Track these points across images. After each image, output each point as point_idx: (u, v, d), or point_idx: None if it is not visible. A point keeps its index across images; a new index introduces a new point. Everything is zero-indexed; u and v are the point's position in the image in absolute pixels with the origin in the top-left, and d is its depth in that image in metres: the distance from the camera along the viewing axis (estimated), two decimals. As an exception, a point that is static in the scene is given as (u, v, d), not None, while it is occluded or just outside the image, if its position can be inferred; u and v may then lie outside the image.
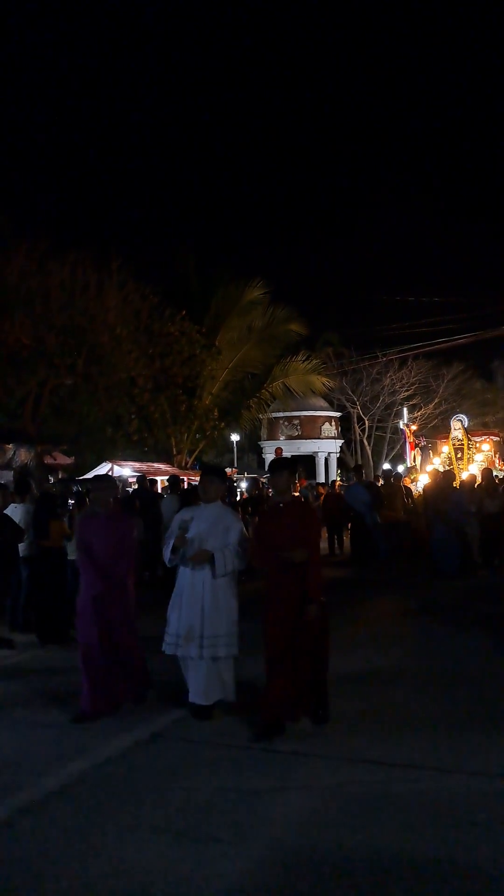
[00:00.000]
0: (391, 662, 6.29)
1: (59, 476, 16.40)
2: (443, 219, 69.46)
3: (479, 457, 17.48)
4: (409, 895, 2.81)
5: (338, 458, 31.68)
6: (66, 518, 8.84)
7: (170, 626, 4.99)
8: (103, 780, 3.99)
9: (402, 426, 22.32)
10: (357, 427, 34.38)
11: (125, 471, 15.83)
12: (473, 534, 11.93)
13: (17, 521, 8.09)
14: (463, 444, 17.49)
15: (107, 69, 73.20)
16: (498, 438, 21.12)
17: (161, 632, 5.16)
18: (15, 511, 8.35)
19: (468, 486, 13.16)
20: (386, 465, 27.53)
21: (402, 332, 27.21)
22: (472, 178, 71.22)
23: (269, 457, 27.54)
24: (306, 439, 29.52)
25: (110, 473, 15.50)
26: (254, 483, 16.55)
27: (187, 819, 3.47)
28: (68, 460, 18.07)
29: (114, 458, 17.49)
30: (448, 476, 13.19)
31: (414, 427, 21.42)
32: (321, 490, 16.87)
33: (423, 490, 14.37)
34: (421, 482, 17.07)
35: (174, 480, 11.99)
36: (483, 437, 18.82)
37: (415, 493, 15.90)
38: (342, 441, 32.25)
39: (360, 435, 34.66)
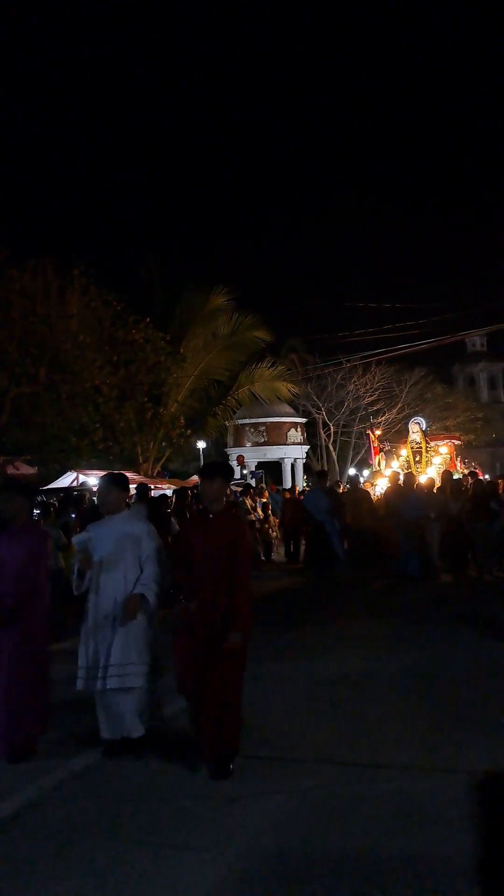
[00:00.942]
0: (361, 665, 6.32)
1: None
2: (403, 228, 70.55)
3: (437, 459, 17.45)
4: (386, 895, 2.82)
5: (304, 464, 31.82)
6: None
7: (80, 659, 4.44)
8: (78, 791, 3.94)
9: (367, 432, 22.59)
10: (322, 432, 34.59)
11: (90, 480, 15.63)
12: (433, 537, 11.70)
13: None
14: (421, 447, 17.40)
15: (64, 74, 72.81)
16: (459, 442, 21.46)
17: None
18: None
19: (427, 489, 13.07)
20: (351, 471, 27.78)
21: (365, 338, 27.52)
22: (433, 190, 72.54)
23: (235, 464, 27.56)
24: (272, 445, 29.59)
25: (75, 483, 15.31)
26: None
27: (165, 828, 3.44)
28: (31, 470, 17.77)
29: (79, 467, 17.28)
30: (408, 479, 13.04)
31: (378, 432, 21.62)
32: (286, 495, 16.86)
33: (385, 493, 14.24)
34: (380, 486, 17.09)
35: (142, 489, 11.91)
36: (445, 441, 19.01)
37: (374, 497, 15.80)
38: (308, 447, 32.41)
39: (325, 440, 34.87)
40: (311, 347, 32.56)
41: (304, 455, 31.86)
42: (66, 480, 16.30)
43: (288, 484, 25.92)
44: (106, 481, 4.70)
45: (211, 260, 61.04)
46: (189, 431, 21.23)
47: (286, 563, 14.87)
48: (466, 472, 16.48)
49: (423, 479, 14.99)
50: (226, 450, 30.68)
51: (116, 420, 18.40)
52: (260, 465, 28.73)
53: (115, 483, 4.65)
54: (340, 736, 4.57)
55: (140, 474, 18.58)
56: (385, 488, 14.77)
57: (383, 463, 18.96)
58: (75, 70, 72.50)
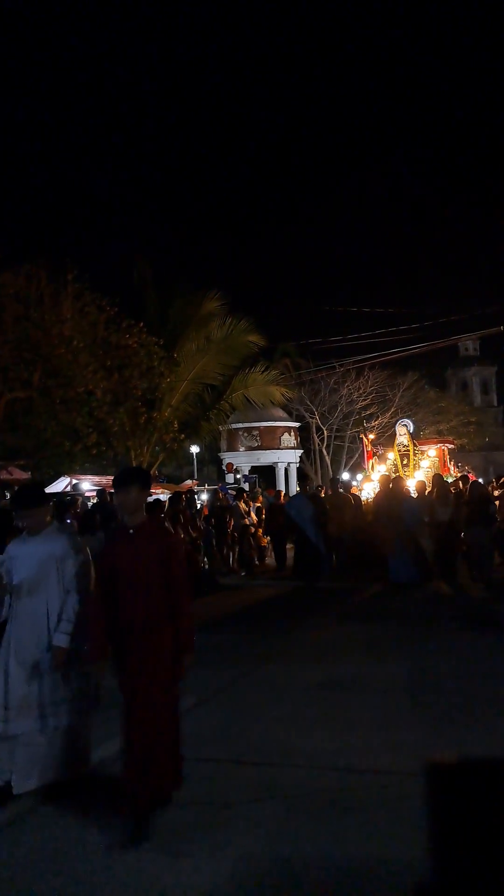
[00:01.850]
0: (353, 670, 6.34)
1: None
2: (396, 232, 70.79)
3: (424, 463, 16.82)
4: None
5: (297, 468, 31.86)
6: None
7: None
8: (71, 800, 3.92)
9: (360, 435, 22.59)
10: (316, 437, 34.64)
11: (84, 485, 15.62)
12: (428, 543, 11.52)
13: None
14: (409, 451, 16.74)
15: (56, 78, 72.82)
16: (452, 446, 21.50)
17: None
18: (-28, 528, 8.17)
19: (419, 493, 12.78)
20: (345, 475, 27.80)
21: (358, 342, 27.58)
22: (425, 195, 72.87)
23: (226, 470, 27.57)
24: (266, 450, 29.63)
25: (69, 488, 15.29)
26: (215, 494, 16.50)
27: (157, 836, 3.44)
28: (25, 475, 17.73)
29: (72, 472, 17.25)
30: (399, 483, 12.56)
31: (372, 436, 21.65)
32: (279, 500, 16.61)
33: (374, 498, 13.67)
34: (366, 490, 16.52)
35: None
36: (438, 445, 18.89)
37: (363, 501, 15.26)
38: (302, 451, 32.45)
39: (318, 445, 34.92)
40: (305, 352, 32.63)
41: (298, 459, 31.91)
42: (59, 485, 16.27)
43: (282, 488, 25.96)
44: (21, 499, 4.06)
45: (204, 264, 61.11)
46: (183, 436, 21.23)
47: (275, 570, 14.48)
48: (459, 475, 16.22)
49: (410, 484, 14.64)
50: (219, 454, 30.70)
51: (110, 424, 18.39)
52: (253, 469, 28.75)
53: (31, 499, 4.03)
54: (334, 741, 4.58)
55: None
56: (374, 493, 14.17)
57: (377, 467, 18.77)
58: (68, 74, 72.55)
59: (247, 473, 26.95)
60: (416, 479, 15.15)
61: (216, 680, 6.23)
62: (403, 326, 25.75)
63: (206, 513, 14.66)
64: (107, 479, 16.31)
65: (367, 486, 16.43)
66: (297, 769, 4.17)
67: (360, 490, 17.12)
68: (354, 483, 18.83)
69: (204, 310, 22.58)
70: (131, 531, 3.71)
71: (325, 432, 34.36)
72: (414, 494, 12.90)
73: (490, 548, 11.13)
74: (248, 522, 14.82)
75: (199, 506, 15.32)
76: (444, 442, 19.49)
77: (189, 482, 22.39)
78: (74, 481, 15.61)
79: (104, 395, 17.84)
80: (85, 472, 17.73)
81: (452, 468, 18.55)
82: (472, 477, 19.26)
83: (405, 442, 16.89)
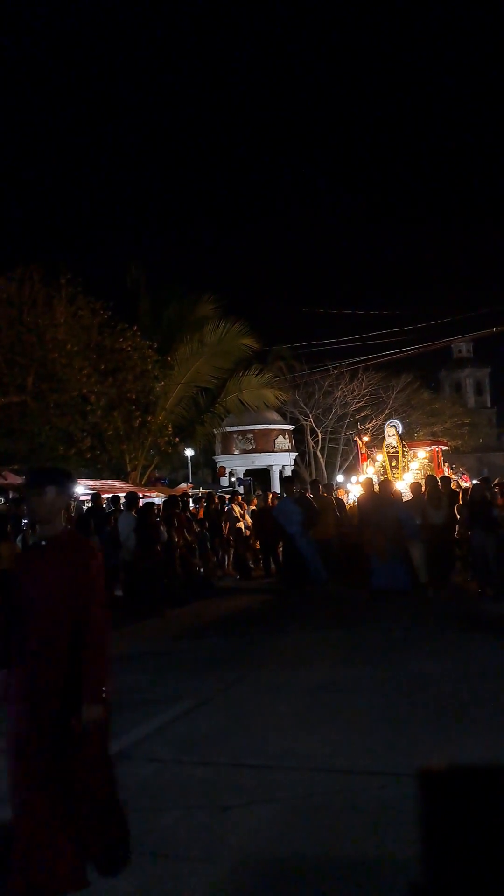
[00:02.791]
0: (349, 672, 6.35)
1: (11, 496, 16.06)
2: (390, 234, 71.06)
3: (414, 465, 16.13)
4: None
5: (292, 471, 31.91)
6: (18, 538, 8.71)
7: None
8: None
9: (354, 437, 22.59)
10: (310, 439, 34.69)
11: (79, 489, 15.59)
12: (420, 547, 10.89)
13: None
14: (398, 452, 15.96)
15: (50, 79, 72.87)
16: (446, 447, 21.52)
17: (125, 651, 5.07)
18: (-33, 533, 8.18)
19: (415, 495, 11.95)
20: (339, 477, 27.85)
21: (352, 344, 27.65)
22: (420, 198, 73.14)
23: (218, 473, 27.59)
24: (260, 452, 29.65)
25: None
26: (210, 497, 16.48)
27: (155, 839, 3.44)
28: (20, 480, 17.71)
29: (67, 476, 17.19)
30: (386, 486, 11.69)
31: (366, 438, 21.65)
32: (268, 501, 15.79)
33: (358, 501, 12.77)
34: (352, 493, 16.04)
35: (132, 497, 11.90)
36: (432, 447, 18.80)
37: (347, 505, 14.77)
38: (296, 454, 32.49)
39: (313, 447, 34.97)
40: (298, 354, 32.71)
41: (293, 462, 31.94)
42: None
43: (277, 491, 25.97)
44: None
45: (197, 267, 61.10)
46: (177, 439, 21.23)
47: (262, 577, 13.94)
48: (440, 476, 15.66)
49: (401, 486, 14.10)
50: (214, 457, 30.70)
51: (104, 428, 18.38)
52: (248, 472, 28.76)
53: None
54: (331, 743, 4.58)
55: (129, 482, 18.55)
56: (358, 495, 13.28)
57: (366, 469, 18.53)
58: (61, 79, 72.60)
59: (241, 476, 26.96)
60: (407, 481, 14.61)
61: (212, 683, 6.23)
62: (397, 328, 25.79)
63: (201, 516, 14.65)
64: (101, 484, 16.30)
65: (354, 490, 15.79)
66: (295, 771, 4.17)
67: (347, 493, 16.88)
68: (348, 485, 18.43)
69: (198, 313, 22.60)
70: (43, 543, 3.15)
71: (320, 435, 34.42)
72: (409, 496, 12.40)
73: (497, 554, 10.02)
74: (242, 526, 14.81)
75: (195, 510, 15.31)
76: (437, 443, 19.41)
77: (184, 485, 22.37)
78: (69, 485, 15.54)
79: (98, 399, 17.84)
80: (79, 477, 17.69)
81: (447, 470, 18.53)
82: (465, 479, 19.23)
83: (394, 443, 16.21)
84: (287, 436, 30.81)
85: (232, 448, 29.59)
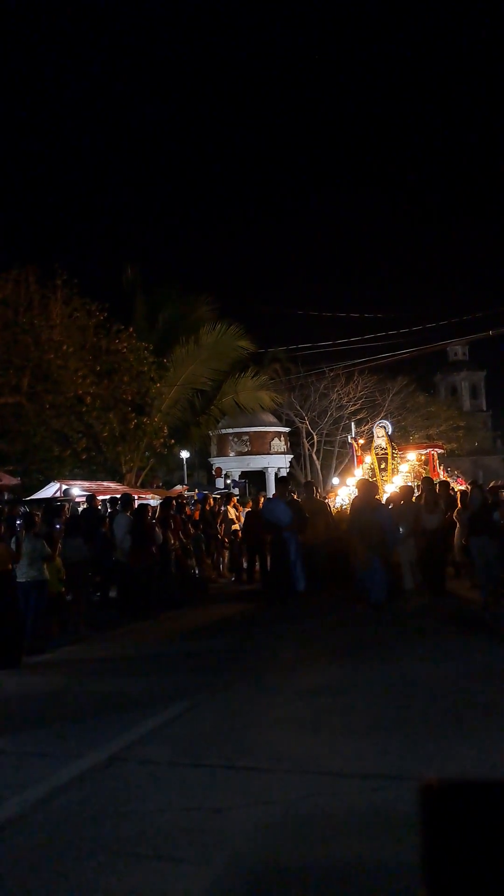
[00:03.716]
0: (342, 675, 6.35)
1: (5, 497, 16.03)
2: (386, 237, 71.22)
3: (404, 467, 15.63)
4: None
5: (288, 473, 31.90)
6: (12, 540, 8.68)
7: None
8: (62, 806, 3.91)
9: (350, 440, 22.57)
10: (306, 442, 34.71)
11: (74, 490, 15.56)
12: (407, 555, 10.58)
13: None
14: (387, 454, 15.38)
15: (44, 79, 72.80)
16: (442, 450, 21.54)
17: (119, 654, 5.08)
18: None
19: (405, 499, 11.50)
20: (335, 480, 27.86)
21: (347, 347, 27.70)
22: (415, 201, 73.36)
23: (215, 474, 27.57)
24: (256, 455, 29.63)
25: (59, 493, 15.23)
26: (205, 499, 16.46)
27: (149, 841, 3.43)
28: (14, 481, 17.66)
29: (62, 477, 17.18)
30: (370, 489, 10.89)
31: (361, 441, 21.65)
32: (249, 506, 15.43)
33: (351, 505, 12.05)
34: (340, 496, 15.53)
35: (126, 499, 11.89)
36: (427, 450, 18.79)
37: (334, 509, 14.23)
38: (291, 456, 32.49)
39: (308, 449, 34.98)
40: (294, 357, 32.75)
41: (288, 464, 31.94)
42: (49, 491, 16.20)
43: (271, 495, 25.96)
44: None
45: (194, 269, 61.14)
46: (172, 441, 21.23)
47: (249, 580, 13.40)
48: (438, 480, 15.26)
49: (390, 489, 13.72)
50: (209, 459, 30.69)
51: (100, 430, 18.36)
52: (243, 474, 28.75)
53: None
54: (324, 746, 4.58)
55: (124, 484, 18.52)
56: (351, 499, 12.46)
57: (354, 471, 18.20)
58: (56, 79, 72.56)
59: (236, 479, 26.94)
60: (396, 484, 14.05)
61: (207, 685, 6.22)
62: (392, 331, 25.87)
63: (197, 517, 14.63)
64: (96, 485, 16.27)
65: (342, 492, 15.13)
66: (289, 774, 4.17)
67: (336, 495, 16.52)
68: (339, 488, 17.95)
69: (194, 315, 22.63)
70: None
71: (315, 437, 34.44)
72: (401, 501, 11.81)
73: (498, 561, 9.45)
74: (237, 527, 14.81)
75: (190, 511, 15.29)
76: (433, 446, 19.42)
77: (179, 487, 22.35)
78: (64, 487, 15.55)
79: (94, 400, 17.82)
80: (75, 478, 17.66)
81: (442, 473, 18.52)
82: (461, 482, 19.19)
83: (383, 444, 15.60)
84: (283, 438, 30.81)
85: (227, 450, 29.58)
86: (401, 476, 15.17)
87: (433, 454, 17.73)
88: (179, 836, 3.46)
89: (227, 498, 16.29)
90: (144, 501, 14.44)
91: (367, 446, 17.42)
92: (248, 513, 14.35)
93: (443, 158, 74.15)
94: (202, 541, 13.87)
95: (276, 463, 30.38)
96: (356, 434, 24.61)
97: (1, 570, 7.94)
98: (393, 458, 15.48)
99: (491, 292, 66.75)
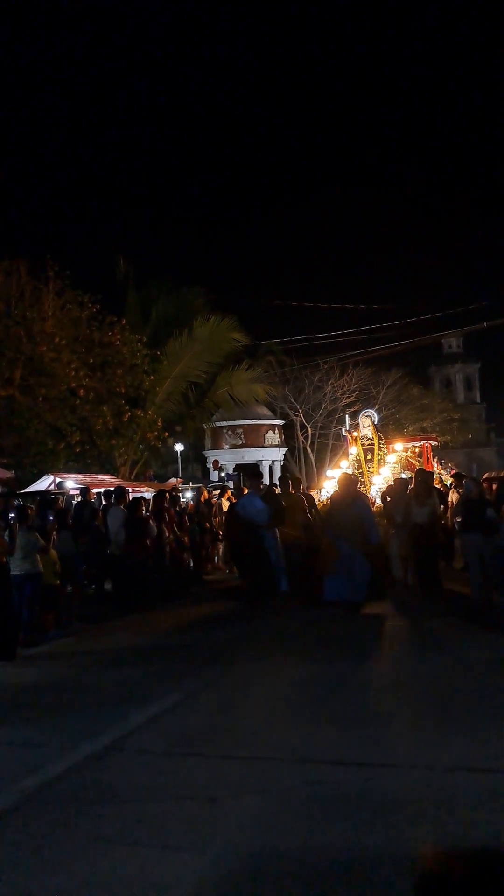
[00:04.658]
0: (339, 666, 6.38)
1: None
2: (379, 229, 71.13)
3: (391, 458, 15.08)
4: (366, 893, 2.85)
5: (282, 466, 31.94)
6: (6, 533, 8.66)
7: None
8: (57, 796, 3.92)
9: (344, 433, 22.58)
10: (300, 434, 34.74)
11: (68, 483, 15.55)
12: (393, 550, 10.25)
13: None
14: (373, 444, 14.88)
15: (35, 69, 72.28)
16: (436, 443, 21.58)
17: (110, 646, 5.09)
18: (-45, 527, 8.15)
19: (397, 491, 11.12)
20: (330, 472, 27.88)
21: (341, 339, 27.70)
22: (409, 192, 73.23)
23: (212, 468, 27.58)
24: (250, 448, 29.68)
25: (53, 486, 15.22)
26: (199, 493, 16.47)
27: (144, 830, 3.44)
28: (8, 474, 17.62)
29: (56, 470, 17.16)
30: (349, 482, 10.21)
31: (356, 433, 21.64)
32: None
33: (331, 499, 11.27)
34: (325, 489, 15.03)
35: (119, 492, 11.88)
36: (421, 442, 18.79)
37: (319, 503, 13.62)
38: (286, 449, 32.53)
39: (303, 442, 35.02)
40: (288, 349, 32.75)
41: (283, 457, 31.99)
42: (43, 484, 16.18)
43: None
44: None
45: (187, 261, 60.96)
46: (166, 434, 21.21)
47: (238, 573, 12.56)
48: (453, 474, 14.85)
49: (377, 480, 13.11)
50: (204, 452, 30.70)
51: (94, 423, 18.33)
52: (238, 467, 28.78)
53: None
54: (319, 735, 4.60)
55: (118, 477, 18.51)
56: (332, 493, 11.54)
57: (340, 463, 17.70)
58: (48, 69, 72.04)
59: (230, 472, 26.96)
60: (383, 476, 13.50)
61: (201, 676, 6.24)
62: (387, 323, 25.89)
63: (192, 510, 14.64)
64: (90, 478, 16.25)
65: (327, 485, 14.37)
66: (283, 763, 4.19)
67: (319, 489, 16.06)
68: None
69: (187, 307, 22.55)
70: None
71: (310, 430, 34.48)
72: (395, 493, 11.47)
73: (492, 560, 8.95)
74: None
75: (184, 504, 15.30)
76: (427, 439, 19.44)
77: (173, 480, 22.35)
78: (58, 480, 15.53)
79: (87, 393, 17.77)
80: (69, 471, 17.64)
81: (436, 466, 18.56)
82: (455, 471, 19.19)
83: (369, 434, 15.13)
84: (277, 431, 30.86)
85: (222, 443, 29.60)
86: (388, 467, 14.70)
87: (427, 446, 17.72)
88: (175, 824, 3.48)
89: (221, 491, 16.30)
90: (139, 494, 14.44)
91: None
92: (229, 507, 13.65)
93: (438, 149, 74.06)
94: (197, 534, 13.89)
95: (271, 456, 30.44)
96: (350, 426, 24.63)
97: (-4, 562, 7.93)
98: (380, 448, 15.02)
99: (485, 284, 66.80)
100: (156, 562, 11.35)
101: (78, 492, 13.69)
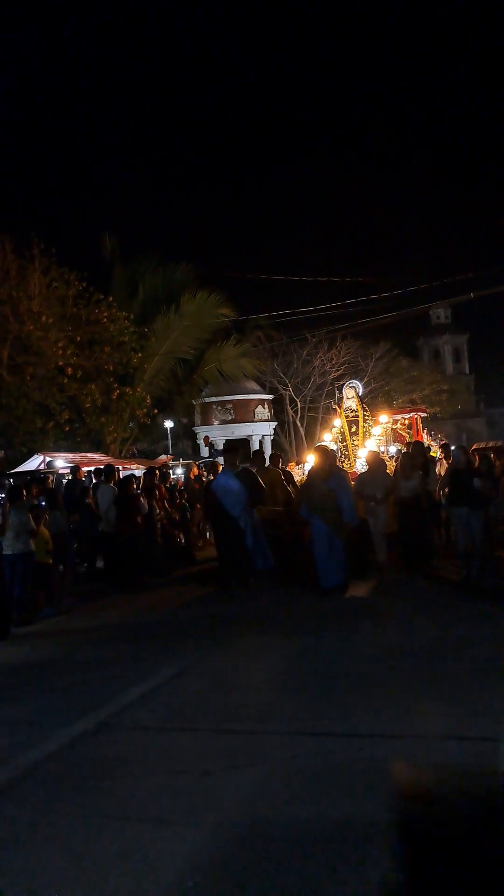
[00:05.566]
0: (331, 638, 6.44)
1: (-11, 470, 15.95)
2: (367, 200, 70.44)
3: (376, 430, 14.59)
4: (360, 862, 2.91)
5: (272, 440, 31.94)
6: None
7: None
8: (52, 772, 3.97)
9: (333, 406, 22.53)
10: (290, 409, 34.69)
11: (58, 462, 15.51)
12: (380, 526, 9.91)
13: None
14: (358, 417, 14.29)
15: (26, 48, 70.52)
16: (425, 414, 21.60)
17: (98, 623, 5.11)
18: None
19: (377, 463, 10.51)
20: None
21: (329, 313, 27.55)
22: (397, 161, 72.38)
23: (203, 444, 27.56)
24: (240, 423, 29.61)
25: (43, 466, 15.18)
26: (189, 469, 16.46)
27: (139, 804, 3.49)
28: (-1, 454, 17.59)
29: (46, 449, 17.10)
30: (327, 455, 9.39)
31: (340, 406, 21.51)
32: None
33: (308, 474, 10.28)
34: (308, 462, 13.76)
35: (109, 469, 11.87)
36: (411, 414, 18.74)
37: (299, 479, 12.64)
38: (276, 423, 32.50)
39: (293, 416, 34.99)
40: (276, 323, 32.56)
41: (273, 432, 31.97)
42: (33, 463, 16.13)
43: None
44: None
45: (172, 236, 60.23)
46: (156, 411, 21.13)
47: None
48: (441, 445, 14.37)
49: (362, 453, 12.39)
50: (193, 428, 30.63)
51: (82, 401, 18.23)
52: (227, 442, 28.75)
53: None
54: (312, 707, 4.66)
55: (108, 455, 18.47)
56: (310, 468, 10.67)
57: (327, 436, 17.26)
58: (38, 47, 70.30)
59: (220, 448, 26.93)
60: (369, 448, 12.81)
61: (194, 651, 6.30)
62: (374, 296, 25.77)
63: (182, 487, 14.65)
64: (80, 457, 16.21)
65: (310, 459, 13.00)
66: (276, 735, 4.24)
67: (300, 464, 15.44)
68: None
69: (174, 283, 22.34)
70: None
71: (299, 404, 34.42)
72: (366, 467, 10.83)
73: (482, 537, 8.59)
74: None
75: (173, 480, 15.30)
76: (416, 410, 19.41)
77: (164, 457, 22.33)
78: (48, 459, 15.49)
79: (75, 371, 17.65)
80: (58, 450, 17.58)
81: (426, 437, 18.56)
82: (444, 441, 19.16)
83: (353, 406, 14.55)
84: (266, 405, 30.77)
85: (211, 419, 29.52)
86: (373, 440, 14.19)
87: (416, 418, 17.67)
88: (168, 799, 3.53)
89: (212, 467, 16.28)
90: (129, 472, 14.43)
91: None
92: (205, 486, 12.91)
93: (424, 118, 73.13)
94: (188, 510, 13.92)
95: (261, 430, 30.40)
96: (339, 399, 24.56)
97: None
98: (364, 420, 14.53)
99: (473, 254, 66.45)
100: (147, 539, 11.38)
101: (68, 470, 13.66)
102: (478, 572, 8.53)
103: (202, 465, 18.60)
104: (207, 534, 14.94)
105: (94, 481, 12.85)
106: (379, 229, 70.51)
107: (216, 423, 29.46)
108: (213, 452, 24.70)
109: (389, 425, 15.68)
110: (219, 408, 29.52)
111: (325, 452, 9.47)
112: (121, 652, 6.60)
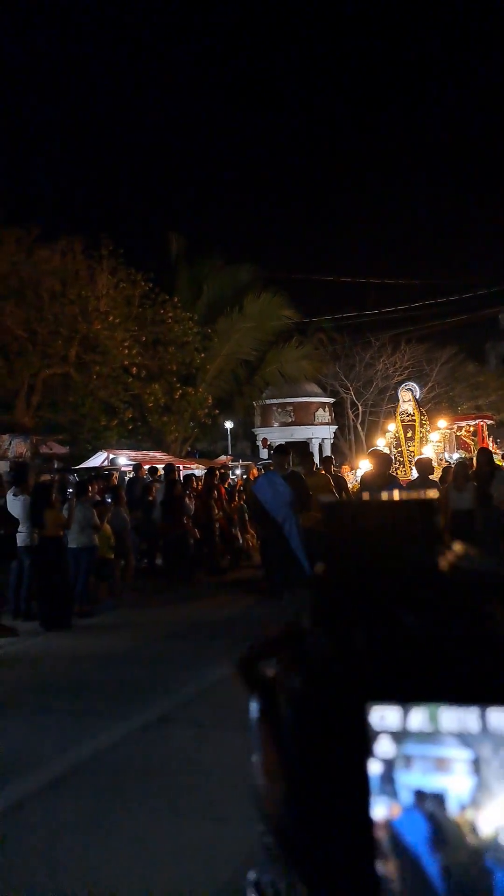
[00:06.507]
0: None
1: (56, 466, 16.41)
2: (434, 200, 69.28)
3: (434, 436, 14.08)
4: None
5: (332, 444, 31.77)
6: (64, 507, 8.90)
7: None
8: (111, 764, 4.04)
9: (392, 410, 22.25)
10: (350, 412, 34.42)
11: (121, 459, 15.83)
12: None
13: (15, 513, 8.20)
14: (414, 421, 13.81)
15: (91, 57, 72.30)
16: (491, 421, 21.11)
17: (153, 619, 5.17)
18: (14, 502, 8.43)
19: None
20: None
21: (394, 315, 27.23)
22: (466, 162, 70.91)
23: (261, 446, 27.63)
24: (300, 425, 29.57)
25: (106, 462, 15.52)
26: (248, 471, 16.53)
27: (196, 800, 3.52)
28: (63, 450, 18.04)
29: (109, 447, 17.48)
30: (383, 461, 8.40)
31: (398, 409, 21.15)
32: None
33: (362, 480, 10.02)
34: (361, 468, 13.68)
35: (169, 469, 12.04)
36: (477, 421, 18.37)
37: (352, 485, 12.52)
38: (336, 427, 32.31)
39: (353, 420, 34.71)
40: (339, 326, 32.36)
41: (332, 435, 31.80)
42: (97, 460, 16.51)
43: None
44: None
45: (238, 238, 60.62)
46: (217, 411, 21.31)
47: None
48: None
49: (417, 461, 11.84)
50: (253, 430, 30.75)
51: (145, 399, 18.54)
52: (287, 445, 28.74)
53: None
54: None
55: (169, 454, 18.73)
56: (363, 473, 10.18)
57: (377, 441, 16.72)
58: (98, 49, 71.98)
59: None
60: (426, 454, 12.06)
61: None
62: (441, 299, 25.32)
63: (241, 488, 14.74)
64: (143, 455, 16.50)
65: (363, 464, 12.53)
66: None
67: (354, 469, 14.78)
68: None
69: (238, 284, 22.48)
70: None
71: (360, 408, 34.12)
72: (415, 476, 9.77)
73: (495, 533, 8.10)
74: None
75: (232, 481, 15.40)
76: (482, 417, 19.01)
77: (223, 458, 22.50)
78: (112, 456, 15.82)
79: (140, 370, 17.97)
80: (122, 447, 17.94)
81: (491, 444, 18.13)
82: (495, 449, 18.53)
83: (410, 410, 14.09)
84: (327, 409, 30.64)
85: (271, 420, 29.58)
86: (431, 446, 13.61)
87: (482, 425, 17.33)
88: (225, 795, 3.55)
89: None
90: (189, 472, 14.61)
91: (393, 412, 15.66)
92: (245, 483, 11.79)
93: (493, 114, 71.33)
94: (246, 511, 13.98)
95: (321, 434, 30.29)
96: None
97: (52, 536, 8.18)
98: (421, 425, 13.96)
99: (544, 258, 64.33)
100: (205, 538, 11.49)
101: (130, 468, 13.91)
102: None
103: (261, 466, 18.66)
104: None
105: (153, 479, 13.08)
106: (448, 231, 69.21)
107: (276, 424, 29.51)
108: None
109: (452, 431, 15.27)
110: (279, 410, 29.55)
111: (380, 457, 8.63)
112: (178, 648, 6.68)
